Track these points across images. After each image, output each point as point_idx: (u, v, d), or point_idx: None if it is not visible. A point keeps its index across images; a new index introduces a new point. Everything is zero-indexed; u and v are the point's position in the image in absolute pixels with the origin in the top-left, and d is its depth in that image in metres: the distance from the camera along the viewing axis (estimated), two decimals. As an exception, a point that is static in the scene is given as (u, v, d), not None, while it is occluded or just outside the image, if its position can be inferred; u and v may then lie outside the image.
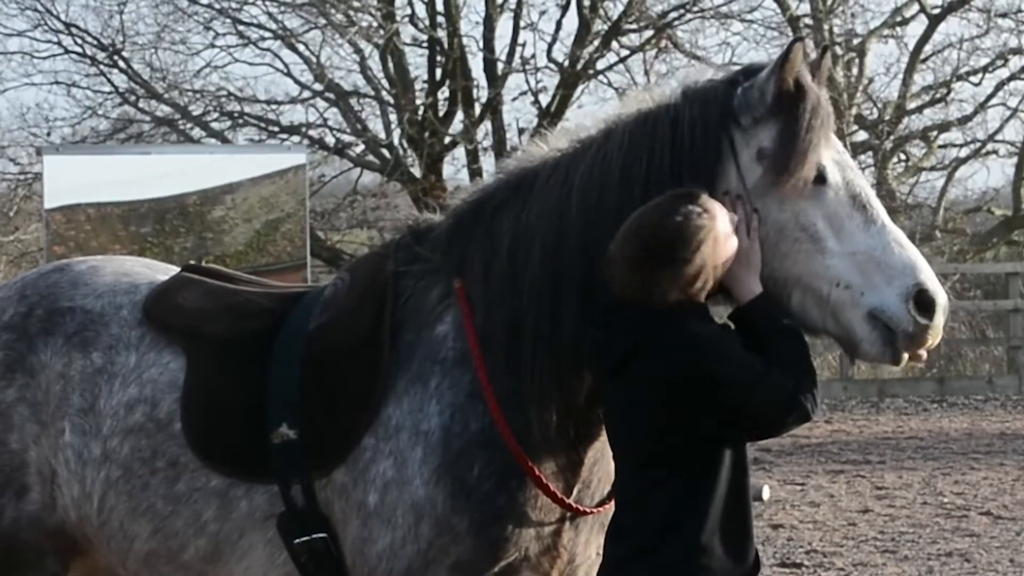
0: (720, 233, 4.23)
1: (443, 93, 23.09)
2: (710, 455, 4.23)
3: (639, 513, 4.27)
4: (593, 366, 4.38)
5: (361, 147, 23.43)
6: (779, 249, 4.35)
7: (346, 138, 23.45)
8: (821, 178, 4.38)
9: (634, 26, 22.94)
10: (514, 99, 23.06)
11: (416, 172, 22.80)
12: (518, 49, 22.85)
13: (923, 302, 4.30)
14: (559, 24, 22.88)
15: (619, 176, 4.42)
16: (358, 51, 23.10)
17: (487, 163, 22.72)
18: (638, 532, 4.26)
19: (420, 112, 22.61)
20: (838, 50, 22.75)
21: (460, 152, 23.49)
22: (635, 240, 4.21)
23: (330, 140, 23.33)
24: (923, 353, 4.39)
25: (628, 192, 4.38)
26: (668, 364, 4.19)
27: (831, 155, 4.42)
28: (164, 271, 5.10)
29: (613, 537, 4.35)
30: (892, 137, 23.67)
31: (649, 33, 22.86)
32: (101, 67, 23.46)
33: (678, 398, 4.18)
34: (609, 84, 23.23)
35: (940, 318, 4.32)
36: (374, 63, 23.14)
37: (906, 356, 4.37)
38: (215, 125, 23.24)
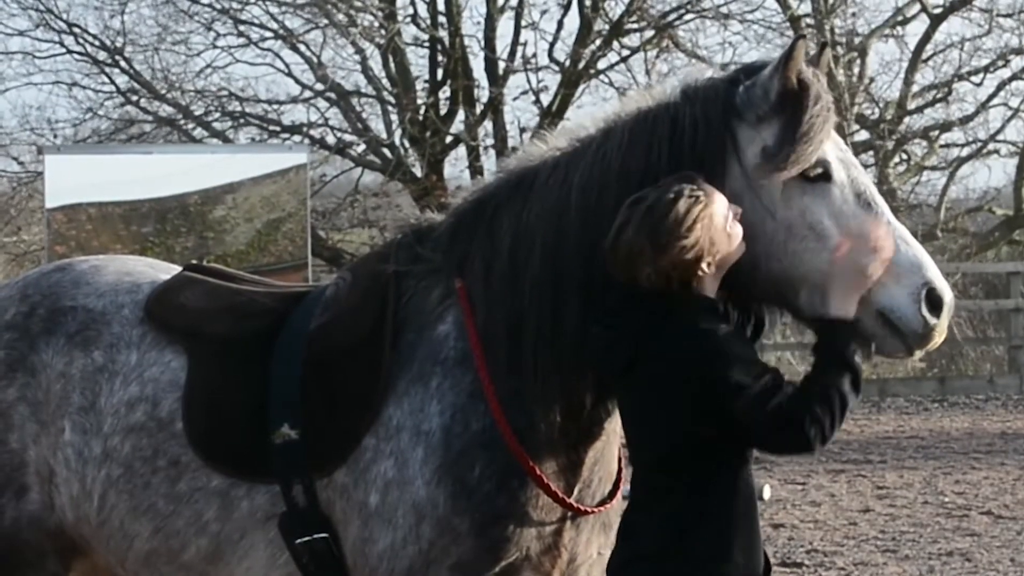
0: (717, 215, 4.22)
1: (444, 92, 23.12)
2: (717, 458, 4.21)
3: (646, 514, 4.27)
4: (601, 368, 4.38)
5: (362, 147, 23.44)
6: (788, 247, 4.34)
7: (347, 138, 23.48)
8: (826, 176, 4.38)
9: (635, 26, 22.95)
10: (515, 98, 23.10)
11: (418, 172, 22.81)
12: (519, 48, 22.89)
13: (932, 301, 4.30)
14: (560, 23, 22.92)
15: (618, 175, 4.42)
16: (359, 51, 23.12)
17: (488, 163, 22.75)
18: (645, 533, 4.26)
19: (421, 112, 22.62)
20: (839, 50, 22.76)
21: (462, 152, 23.53)
22: (631, 223, 4.21)
23: (331, 140, 23.35)
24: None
25: (627, 191, 4.36)
26: (670, 362, 4.18)
27: (835, 153, 4.43)
28: (166, 270, 5.10)
29: (622, 536, 4.35)
30: (893, 136, 23.67)
31: (650, 33, 22.87)
32: (103, 67, 23.48)
33: (679, 396, 4.16)
34: (610, 84, 23.26)
35: (946, 318, 4.33)
36: (375, 63, 23.18)
37: (916, 352, 4.38)
38: (216, 125, 23.26)
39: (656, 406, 4.20)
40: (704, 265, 4.22)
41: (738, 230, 4.27)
